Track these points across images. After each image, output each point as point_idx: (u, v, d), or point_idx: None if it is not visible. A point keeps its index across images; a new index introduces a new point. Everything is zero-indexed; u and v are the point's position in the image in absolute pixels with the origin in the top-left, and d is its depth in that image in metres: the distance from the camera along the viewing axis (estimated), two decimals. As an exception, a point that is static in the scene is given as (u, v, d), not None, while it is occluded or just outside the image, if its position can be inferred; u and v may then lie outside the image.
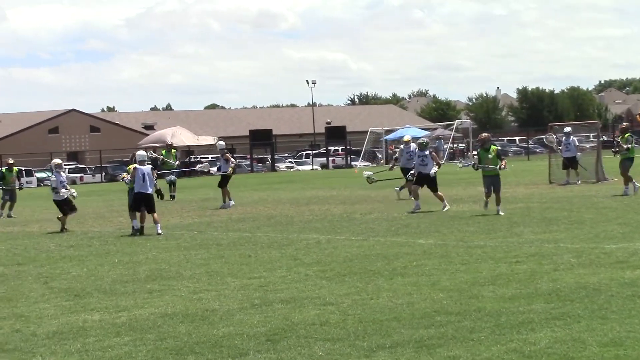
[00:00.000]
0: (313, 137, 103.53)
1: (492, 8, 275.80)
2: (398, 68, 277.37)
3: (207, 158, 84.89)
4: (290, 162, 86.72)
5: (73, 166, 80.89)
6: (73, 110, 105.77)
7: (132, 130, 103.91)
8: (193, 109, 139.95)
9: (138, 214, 23.11)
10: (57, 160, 25.77)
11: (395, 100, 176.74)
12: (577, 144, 36.47)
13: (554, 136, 37.19)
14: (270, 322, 11.11)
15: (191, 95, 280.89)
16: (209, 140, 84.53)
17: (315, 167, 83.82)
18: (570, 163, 35.54)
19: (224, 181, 31.76)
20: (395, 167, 32.06)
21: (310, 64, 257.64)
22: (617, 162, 29.65)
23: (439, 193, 26.19)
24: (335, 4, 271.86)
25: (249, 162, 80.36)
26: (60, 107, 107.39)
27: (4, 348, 10.51)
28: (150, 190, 23.40)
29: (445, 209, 25.40)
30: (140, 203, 23.21)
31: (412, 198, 26.51)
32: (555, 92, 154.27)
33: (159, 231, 22.60)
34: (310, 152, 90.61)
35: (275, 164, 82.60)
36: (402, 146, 30.45)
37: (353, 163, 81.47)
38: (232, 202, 31.41)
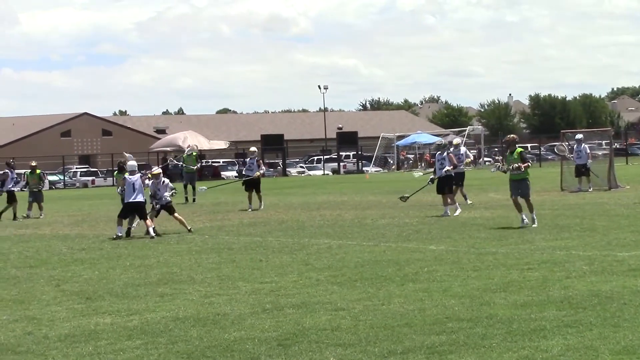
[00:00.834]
0: (324, 142, 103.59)
1: (504, 15, 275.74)
2: (410, 74, 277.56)
3: (219, 162, 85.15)
4: (301, 167, 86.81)
5: (85, 169, 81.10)
6: (85, 113, 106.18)
7: (143, 134, 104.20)
8: (205, 113, 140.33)
9: (125, 221, 23.45)
10: (157, 170, 26.13)
11: (407, 106, 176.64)
12: (588, 151, 36.44)
13: (565, 145, 37.15)
14: (282, 326, 11.11)
15: (203, 99, 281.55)
16: (220, 144, 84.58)
17: (326, 172, 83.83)
18: (582, 170, 35.53)
19: (256, 186, 32.36)
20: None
21: (322, 69, 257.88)
22: (629, 169, 29.55)
23: (450, 195, 26.17)
24: (347, 9, 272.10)
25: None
26: (73, 111, 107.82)
27: (17, 350, 10.53)
28: (141, 199, 23.66)
29: (449, 214, 25.35)
30: (130, 212, 23.62)
31: (443, 205, 26.28)
32: (568, 99, 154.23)
33: (152, 234, 22.91)
34: (321, 157, 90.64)
35: (287, 169, 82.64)
36: (451, 149, 29.89)
37: (364, 168, 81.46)
38: (262, 206, 32.18)
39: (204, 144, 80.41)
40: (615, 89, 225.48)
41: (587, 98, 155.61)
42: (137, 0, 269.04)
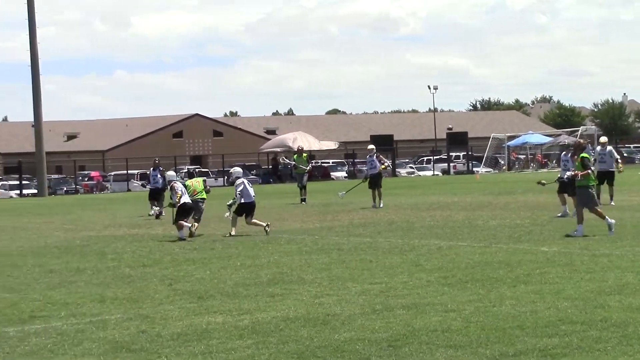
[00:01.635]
0: (434, 143, 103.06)
1: (618, 13, 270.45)
2: (520, 73, 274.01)
3: (328, 163, 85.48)
4: (411, 167, 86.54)
5: (196, 170, 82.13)
6: (197, 115, 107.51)
7: (254, 134, 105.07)
8: (314, 114, 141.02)
9: (185, 223, 24.06)
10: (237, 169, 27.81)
11: (518, 106, 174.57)
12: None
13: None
14: (392, 327, 11.08)
15: (312, 100, 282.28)
16: (330, 145, 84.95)
17: (436, 172, 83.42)
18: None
19: (378, 182, 33.05)
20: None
21: (431, 69, 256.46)
22: None
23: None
24: (457, 9, 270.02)
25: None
26: (184, 112, 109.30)
27: (130, 348, 10.71)
28: (189, 200, 24.82)
29: (568, 213, 24.92)
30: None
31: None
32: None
33: (182, 236, 23.70)
34: (431, 157, 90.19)
35: (396, 170, 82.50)
36: (598, 148, 29.29)
37: (475, 169, 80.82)
38: (382, 204, 32.68)
39: (314, 144, 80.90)
40: None
41: None
42: (246, 2, 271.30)
